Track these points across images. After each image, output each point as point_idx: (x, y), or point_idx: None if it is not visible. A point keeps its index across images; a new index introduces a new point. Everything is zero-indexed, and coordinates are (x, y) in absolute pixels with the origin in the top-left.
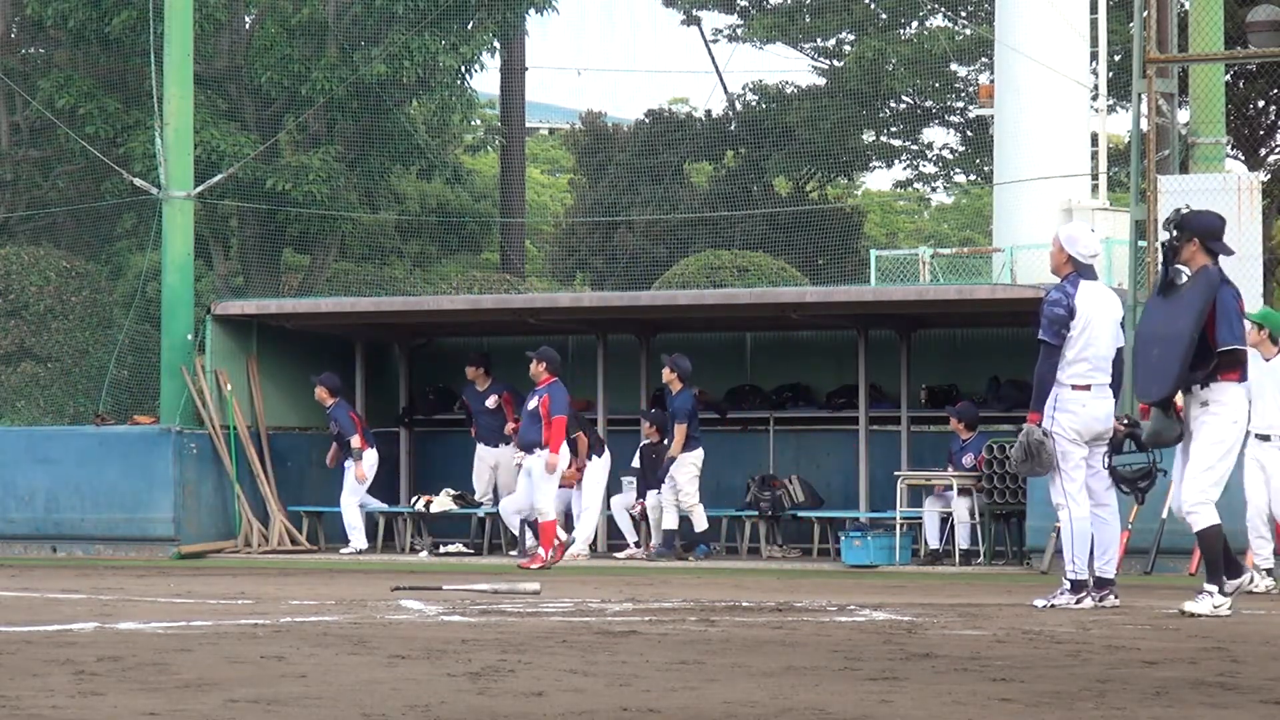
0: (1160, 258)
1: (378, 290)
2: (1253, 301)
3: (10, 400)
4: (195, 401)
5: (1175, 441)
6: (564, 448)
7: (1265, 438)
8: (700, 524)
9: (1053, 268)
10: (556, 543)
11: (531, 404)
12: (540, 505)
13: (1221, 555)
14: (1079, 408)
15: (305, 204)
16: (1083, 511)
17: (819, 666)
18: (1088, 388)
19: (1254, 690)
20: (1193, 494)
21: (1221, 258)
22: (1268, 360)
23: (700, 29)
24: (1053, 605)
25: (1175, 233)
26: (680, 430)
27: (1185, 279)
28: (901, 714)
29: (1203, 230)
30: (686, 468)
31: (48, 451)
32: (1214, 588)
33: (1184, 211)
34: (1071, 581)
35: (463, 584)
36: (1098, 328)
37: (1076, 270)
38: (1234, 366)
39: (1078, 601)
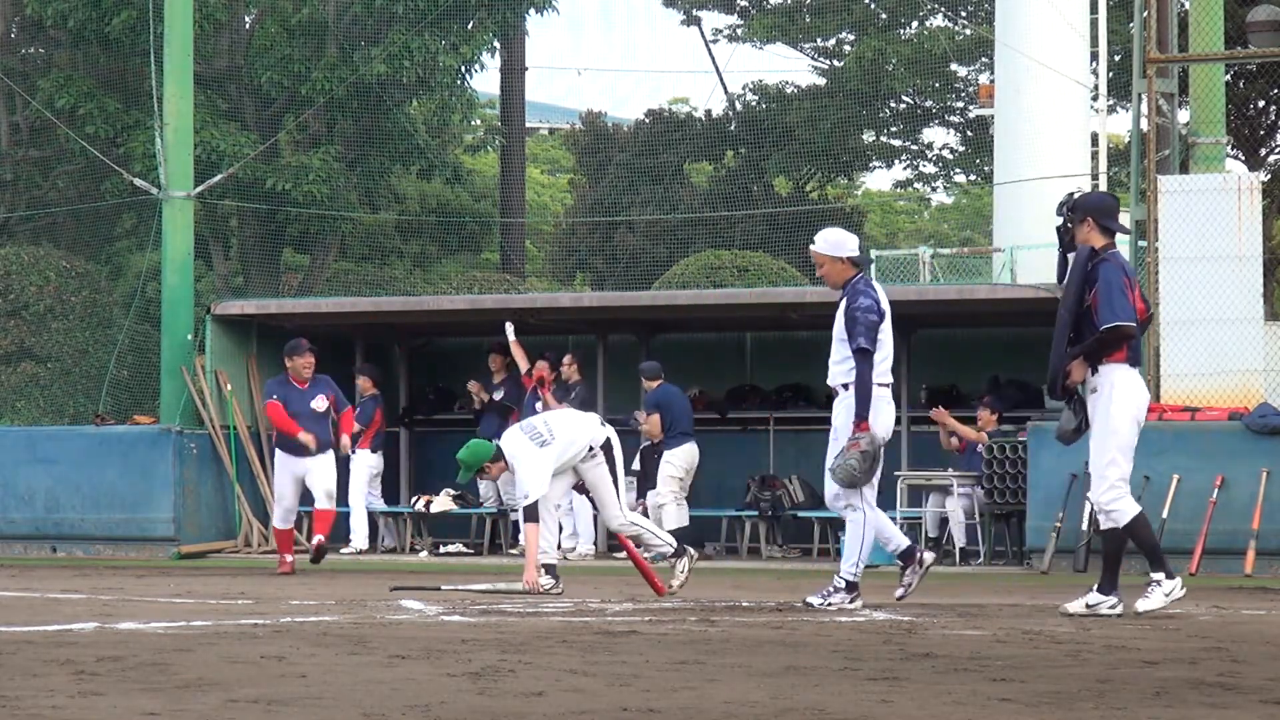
0: (1057, 243)
1: (378, 290)
2: (1254, 302)
3: (10, 400)
4: (195, 401)
5: (1069, 435)
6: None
7: None
8: (667, 524)
9: (833, 282)
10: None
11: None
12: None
13: (1155, 541)
14: (886, 406)
15: (305, 204)
16: (875, 514)
17: (819, 666)
18: (888, 385)
19: (1254, 690)
20: (1103, 493)
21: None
22: None
23: (700, 29)
24: (829, 605)
25: (1069, 214)
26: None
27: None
28: (901, 714)
29: (1094, 209)
30: (665, 465)
31: (48, 451)
32: (1160, 575)
33: (1075, 195)
34: (847, 581)
35: (461, 584)
36: (888, 324)
37: (860, 270)
38: (1118, 346)
39: (851, 601)
